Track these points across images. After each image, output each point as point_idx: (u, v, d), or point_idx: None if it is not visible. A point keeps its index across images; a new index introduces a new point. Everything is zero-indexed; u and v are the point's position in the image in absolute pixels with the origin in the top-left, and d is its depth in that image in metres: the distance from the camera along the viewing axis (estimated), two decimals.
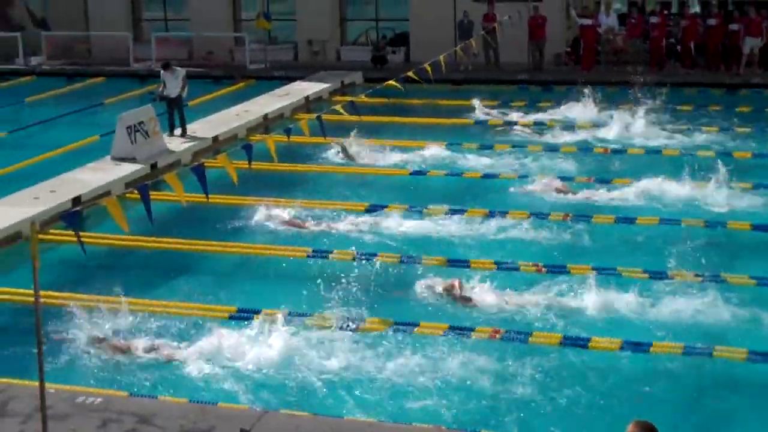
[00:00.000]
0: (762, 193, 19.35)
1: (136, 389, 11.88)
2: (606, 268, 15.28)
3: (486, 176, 20.99)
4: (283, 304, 13.79)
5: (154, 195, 15.22)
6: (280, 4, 36.72)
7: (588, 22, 31.84)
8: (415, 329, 13.40)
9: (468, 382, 11.98)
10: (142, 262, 16.62)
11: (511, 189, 19.94)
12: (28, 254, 10.21)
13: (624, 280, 14.86)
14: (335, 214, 18.35)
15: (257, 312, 13.77)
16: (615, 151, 22.86)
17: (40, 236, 16.36)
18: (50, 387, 10.35)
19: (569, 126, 25.01)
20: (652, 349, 12.75)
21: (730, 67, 31.23)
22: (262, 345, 12.73)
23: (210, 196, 12.78)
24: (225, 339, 12.88)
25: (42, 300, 9.94)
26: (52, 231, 17.25)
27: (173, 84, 23.32)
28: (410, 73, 20.92)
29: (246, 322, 13.54)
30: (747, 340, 12.97)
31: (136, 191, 11.53)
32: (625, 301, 14.07)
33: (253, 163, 14.32)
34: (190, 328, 13.50)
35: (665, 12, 33.38)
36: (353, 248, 16.42)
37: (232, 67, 34.11)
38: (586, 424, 11.15)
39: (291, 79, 31.36)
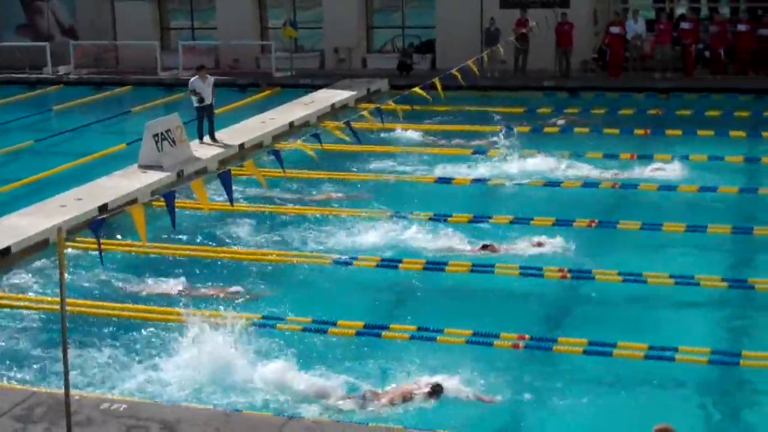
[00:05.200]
0: None
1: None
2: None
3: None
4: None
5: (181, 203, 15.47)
6: (306, 12, 36.78)
7: (617, 30, 31.69)
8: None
9: None
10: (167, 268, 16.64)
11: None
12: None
13: None
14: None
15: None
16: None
17: (67, 243, 16.58)
18: (75, 394, 10.38)
19: None
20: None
21: (759, 72, 31.01)
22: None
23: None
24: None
25: (68, 308, 9.97)
26: (78, 238, 17.32)
27: (207, 91, 23.45)
28: (436, 81, 20.92)
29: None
30: None
31: (161, 198, 11.52)
32: None
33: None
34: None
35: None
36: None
37: (259, 75, 34.19)
38: None
39: (317, 87, 31.39)
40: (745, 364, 12.52)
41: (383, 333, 13.56)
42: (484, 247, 16.76)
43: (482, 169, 22.04)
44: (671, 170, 21.27)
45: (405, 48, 34.64)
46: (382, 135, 24.41)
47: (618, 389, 11.95)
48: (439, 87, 21.19)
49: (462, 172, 21.90)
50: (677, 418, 9.18)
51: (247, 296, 15.08)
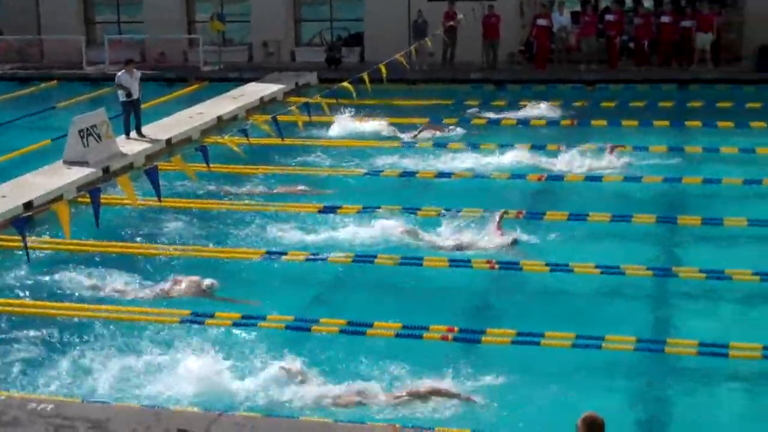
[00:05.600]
0: None
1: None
2: None
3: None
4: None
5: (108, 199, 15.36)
6: (234, 5, 36.62)
7: (543, 22, 31.98)
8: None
9: None
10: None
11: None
12: None
13: None
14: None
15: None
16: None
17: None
18: (1, 394, 10.25)
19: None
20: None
21: (682, 63, 31.53)
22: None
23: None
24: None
25: None
26: (2, 236, 17.10)
27: (134, 86, 23.22)
28: (364, 75, 21.00)
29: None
30: None
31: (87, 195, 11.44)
32: None
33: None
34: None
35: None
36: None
37: (186, 69, 33.95)
38: None
39: (245, 81, 31.26)
40: (669, 351, 12.75)
41: (313, 327, 13.58)
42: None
43: (410, 162, 22.13)
44: (596, 161, 21.52)
45: (333, 41, 34.62)
46: (314, 129, 24.41)
47: (546, 378, 12.08)
48: (367, 81, 21.27)
49: (390, 164, 21.97)
50: (604, 406, 9.30)
51: (177, 292, 14.98)
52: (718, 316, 13.97)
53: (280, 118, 19.40)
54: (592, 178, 20.55)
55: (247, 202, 19.42)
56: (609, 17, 32.06)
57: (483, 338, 13.16)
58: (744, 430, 11.14)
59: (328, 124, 24.74)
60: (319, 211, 18.55)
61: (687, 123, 25.06)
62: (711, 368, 12.34)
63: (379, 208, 18.29)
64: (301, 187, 20.13)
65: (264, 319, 13.81)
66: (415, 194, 19.67)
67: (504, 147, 22.64)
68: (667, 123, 25.14)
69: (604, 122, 25.46)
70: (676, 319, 14.01)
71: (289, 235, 17.35)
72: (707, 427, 11.19)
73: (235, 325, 13.72)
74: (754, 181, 19.95)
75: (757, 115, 25.86)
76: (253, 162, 21.61)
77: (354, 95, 21.85)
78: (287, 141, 22.07)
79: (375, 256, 16.14)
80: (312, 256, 16.20)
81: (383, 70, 23.12)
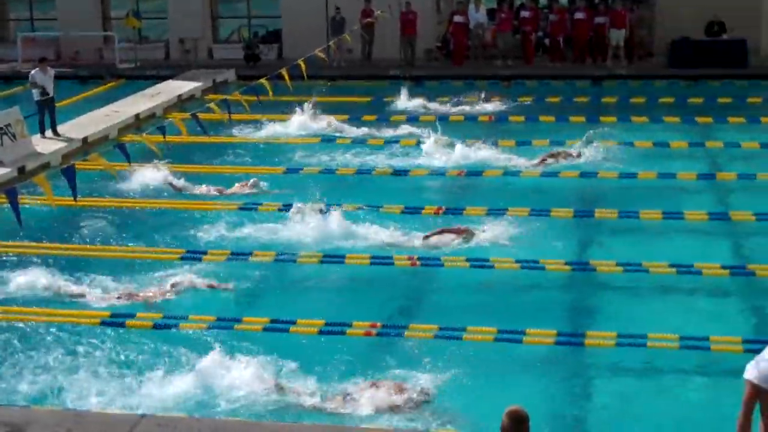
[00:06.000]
0: None
1: None
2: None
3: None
4: None
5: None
6: (150, 3, 36.26)
7: (460, 19, 32.21)
8: None
9: None
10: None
11: None
12: None
13: None
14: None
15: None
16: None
17: None
18: None
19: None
20: None
21: (596, 59, 32.01)
22: None
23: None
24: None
25: None
26: None
27: (49, 84, 22.87)
28: (283, 71, 20.95)
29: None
30: None
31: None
32: None
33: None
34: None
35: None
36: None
37: (101, 67, 33.53)
38: None
39: (162, 78, 30.97)
40: (589, 344, 12.98)
41: (236, 326, 13.55)
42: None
43: (329, 158, 22.15)
44: (515, 157, 21.76)
45: (251, 38, 34.48)
46: (233, 127, 24.31)
47: (471, 372, 12.20)
48: (287, 77, 21.23)
49: (312, 162, 21.97)
50: (528, 399, 9.43)
51: (95, 294, 14.82)
52: (637, 309, 14.24)
53: (200, 116, 19.29)
54: (511, 173, 20.76)
55: (167, 200, 19.29)
56: (524, 14, 32.40)
57: (406, 333, 13.25)
58: (662, 420, 11.36)
59: (247, 121, 24.65)
60: (240, 208, 18.50)
61: (602, 118, 25.41)
62: (628, 359, 12.58)
63: (305, 204, 18.26)
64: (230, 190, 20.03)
65: (186, 319, 13.76)
66: (338, 190, 19.65)
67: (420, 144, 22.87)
68: (582, 119, 25.47)
69: (521, 118, 25.72)
70: (595, 312, 14.25)
71: (208, 234, 17.30)
72: (628, 418, 11.42)
73: (156, 327, 13.64)
74: (668, 174, 20.33)
75: (670, 109, 26.40)
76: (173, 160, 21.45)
77: (273, 90, 21.75)
78: (204, 139, 21.93)
79: (297, 255, 16.16)
80: (233, 256, 16.15)
81: (302, 66, 23.07)
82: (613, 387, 12.08)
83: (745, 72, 30.22)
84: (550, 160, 21.56)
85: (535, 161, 21.53)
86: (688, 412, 11.44)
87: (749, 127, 24.34)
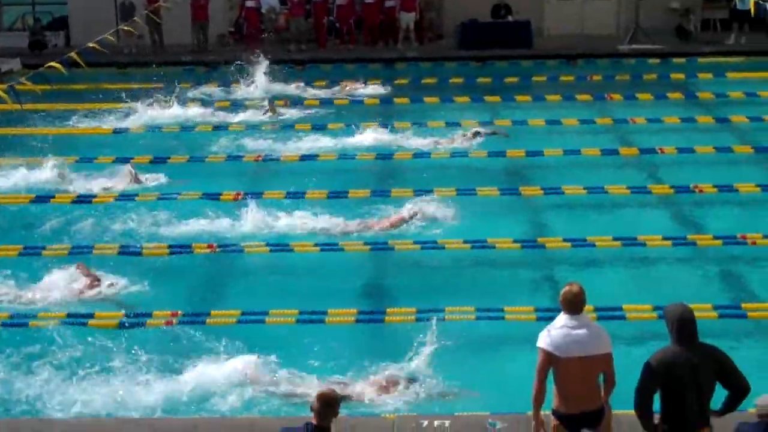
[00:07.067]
0: None
1: None
2: None
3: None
4: None
5: None
6: None
7: (252, 3, 32.16)
8: None
9: None
10: None
11: None
12: None
13: None
14: None
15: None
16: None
17: None
18: None
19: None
20: None
21: (387, 42, 32.55)
22: None
23: None
24: None
25: None
26: None
27: None
28: (74, 54, 20.40)
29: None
30: None
31: None
32: None
33: None
34: None
35: None
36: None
37: None
38: None
39: None
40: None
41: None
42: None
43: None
44: (312, 140, 22.02)
45: (35, 25, 33.43)
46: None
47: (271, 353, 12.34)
48: (81, 62, 20.66)
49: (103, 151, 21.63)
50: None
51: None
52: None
53: None
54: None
55: None
56: None
57: (207, 320, 13.30)
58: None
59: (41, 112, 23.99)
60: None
61: (396, 100, 25.89)
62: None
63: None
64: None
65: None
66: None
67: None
68: (376, 101, 25.88)
69: (316, 102, 25.91)
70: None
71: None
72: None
73: (120, 326, 13.29)
74: (459, 152, 20.93)
75: (460, 90, 27.14)
76: None
77: (64, 74, 21.16)
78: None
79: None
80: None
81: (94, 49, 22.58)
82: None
83: (530, 52, 31.37)
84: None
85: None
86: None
87: (535, 105, 25.30)
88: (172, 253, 15.76)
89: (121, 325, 13.20)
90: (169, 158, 21.00)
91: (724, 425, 8.45)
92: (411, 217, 16.80)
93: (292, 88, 27.31)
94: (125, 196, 18.28)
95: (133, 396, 11.34)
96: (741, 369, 8.33)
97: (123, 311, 13.53)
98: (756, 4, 24.89)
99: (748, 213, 17.43)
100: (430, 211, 16.99)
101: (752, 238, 15.75)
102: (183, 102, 25.80)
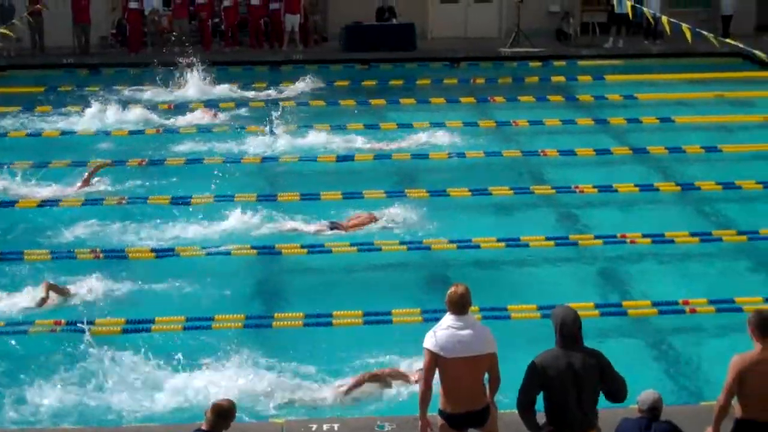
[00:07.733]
0: None
1: None
2: None
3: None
4: None
5: None
6: None
7: (135, 5, 31.77)
8: None
9: None
10: None
11: None
12: None
13: None
14: None
15: None
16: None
17: None
18: None
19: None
20: None
21: (273, 45, 32.50)
22: None
23: None
24: None
25: None
26: None
27: None
28: None
29: None
30: None
31: None
32: None
33: None
34: None
35: None
36: None
37: None
38: None
39: None
40: (277, 326, 13.37)
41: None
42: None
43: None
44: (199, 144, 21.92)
45: None
46: None
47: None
48: None
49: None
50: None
51: None
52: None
53: None
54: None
55: None
56: (199, 0, 32.37)
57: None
58: None
59: None
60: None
61: (282, 103, 25.78)
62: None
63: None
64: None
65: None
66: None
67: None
68: (261, 104, 25.78)
69: (201, 105, 25.72)
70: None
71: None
72: None
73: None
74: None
75: (345, 93, 27.28)
76: None
77: None
78: None
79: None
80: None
81: None
82: None
83: (413, 55, 31.65)
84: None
85: None
86: None
87: (419, 107, 25.54)
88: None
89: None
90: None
91: (609, 420, 8.68)
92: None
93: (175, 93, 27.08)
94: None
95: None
96: (621, 365, 8.58)
97: None
98: (633, 7, 25.62)
99: (628, 213, 17.90)
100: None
101: (632, 237, 16.18)
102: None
